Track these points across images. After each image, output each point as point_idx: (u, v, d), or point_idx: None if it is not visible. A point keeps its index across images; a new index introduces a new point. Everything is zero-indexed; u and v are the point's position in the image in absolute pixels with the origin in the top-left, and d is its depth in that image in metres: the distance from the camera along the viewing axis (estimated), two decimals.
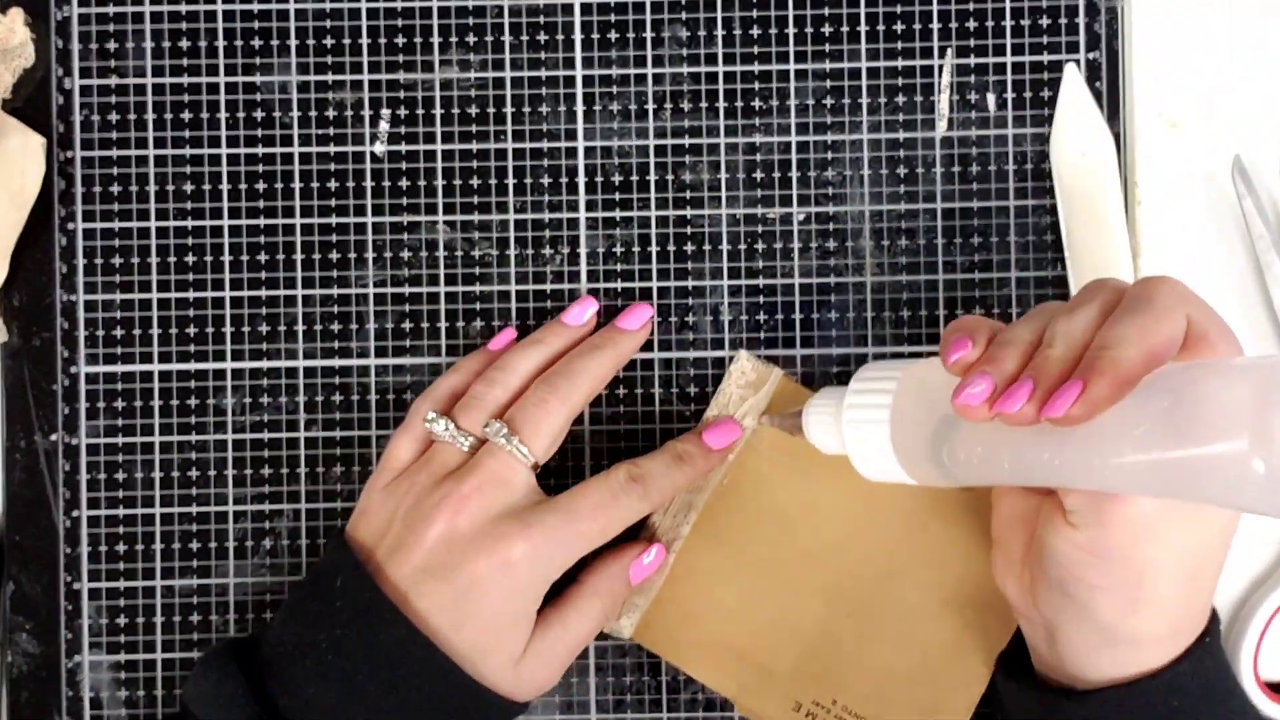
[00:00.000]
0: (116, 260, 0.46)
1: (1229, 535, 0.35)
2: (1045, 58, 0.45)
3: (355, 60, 0.46)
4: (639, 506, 0.41)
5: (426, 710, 0.38)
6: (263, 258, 0.46)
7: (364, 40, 0.46)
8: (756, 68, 0.45)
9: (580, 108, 0.46)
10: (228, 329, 0.46)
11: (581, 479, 0.41)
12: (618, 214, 0.45)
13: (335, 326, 0.46)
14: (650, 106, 0.45)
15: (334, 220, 0.46)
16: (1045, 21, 0.45)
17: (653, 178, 0.45)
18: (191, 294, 0.46)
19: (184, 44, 0.46)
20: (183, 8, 0.46)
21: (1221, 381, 0.28)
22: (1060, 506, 0.35)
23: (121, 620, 0.45)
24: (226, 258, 0.46)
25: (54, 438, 0.46)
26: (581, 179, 0.46)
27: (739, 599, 0.44)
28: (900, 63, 0.45)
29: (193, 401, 0.45)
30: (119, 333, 0.45)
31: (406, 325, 0.46)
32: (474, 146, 0.46)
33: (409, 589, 0.38)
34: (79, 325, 0.45)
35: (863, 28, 0.45)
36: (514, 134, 0.46)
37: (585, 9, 0.45)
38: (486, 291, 0.46)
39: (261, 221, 0.46)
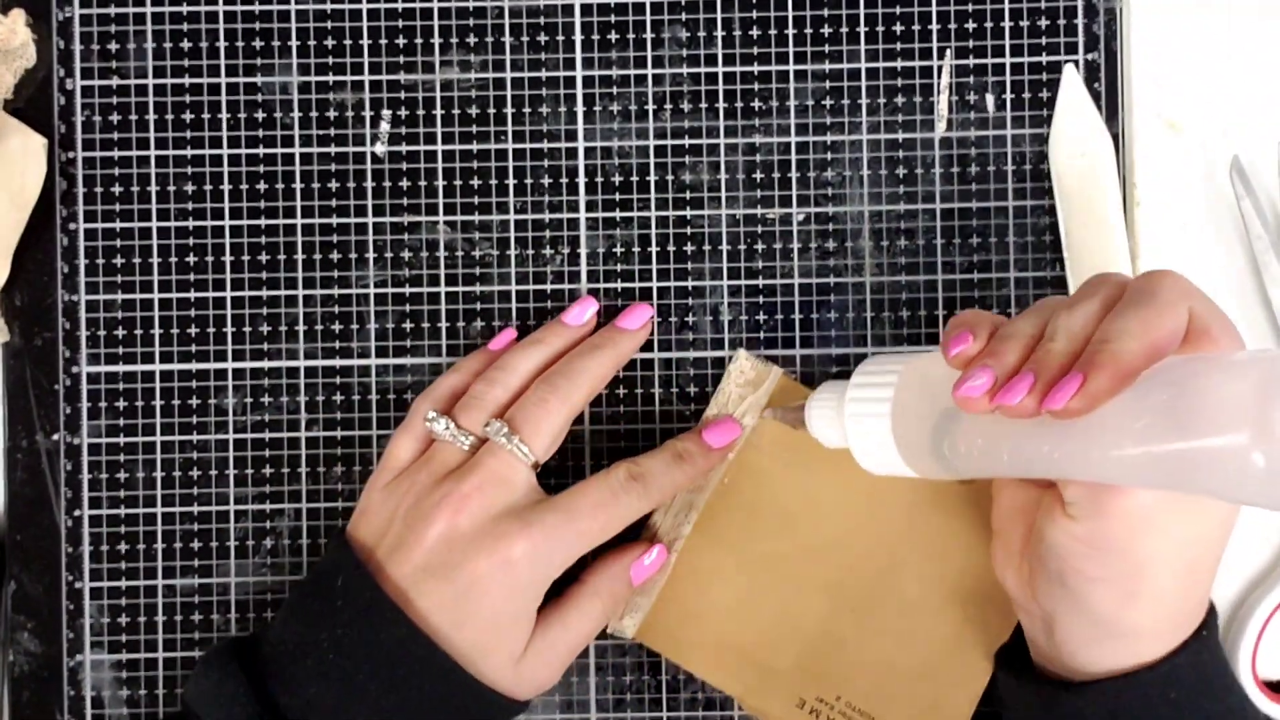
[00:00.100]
0: (118, 260, 0.46)
1: (1228, 528, 0.35)
2: (1044, 58, 0.45)
3: (356, 61, 0.46)
4: (639, 505, 0.41)
5: (427, 709, 0.38)
6: (264, 258, 0.46)
7: (364, 41, 0.46)
8: (756, 68, 0.45)
9: (580, 108, 0.46)
10: (229, 329, 0.46)
11: (582, 478, 0.41)
12: (618, 214, 0.46)
13: (336, 326, 0.46)
14: (650, 107, 0.45)
15: (335, 220, 0.46)
16: (1044, 22, 0.45)
17: (653, 178, 0.46)
18: (193, 294, 0.46)
19: (185, 45, 0.46)
20: (184, 9, 0.46)
21: (1223, 375, 0.28)
22: (1060, 498, 0.35)
23: (123, 619, 0.45)
24: (227, 258, 0.46)
25: (55, 437, 0.46)
26: (582, 179, 0.46)
27: (741, 598, 0.44)
28: (900, 63, 0.45)
29: (194, 401, 0.46)
30: (120, 333, 0.46)
31: (407, 325, 0.46)
32: (474, 147, 0.46)
33: (410, 588, 0.38)
34: (80, 325, 0.46)
35: (862, 28, 0.45)
36: (514, 134, 0.46)
37: (585, 9, 0.46)
38: (487, 291, 0.46)
39: (262, 222, 0.46)
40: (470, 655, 0.38)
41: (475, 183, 0.46)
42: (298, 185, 0.46)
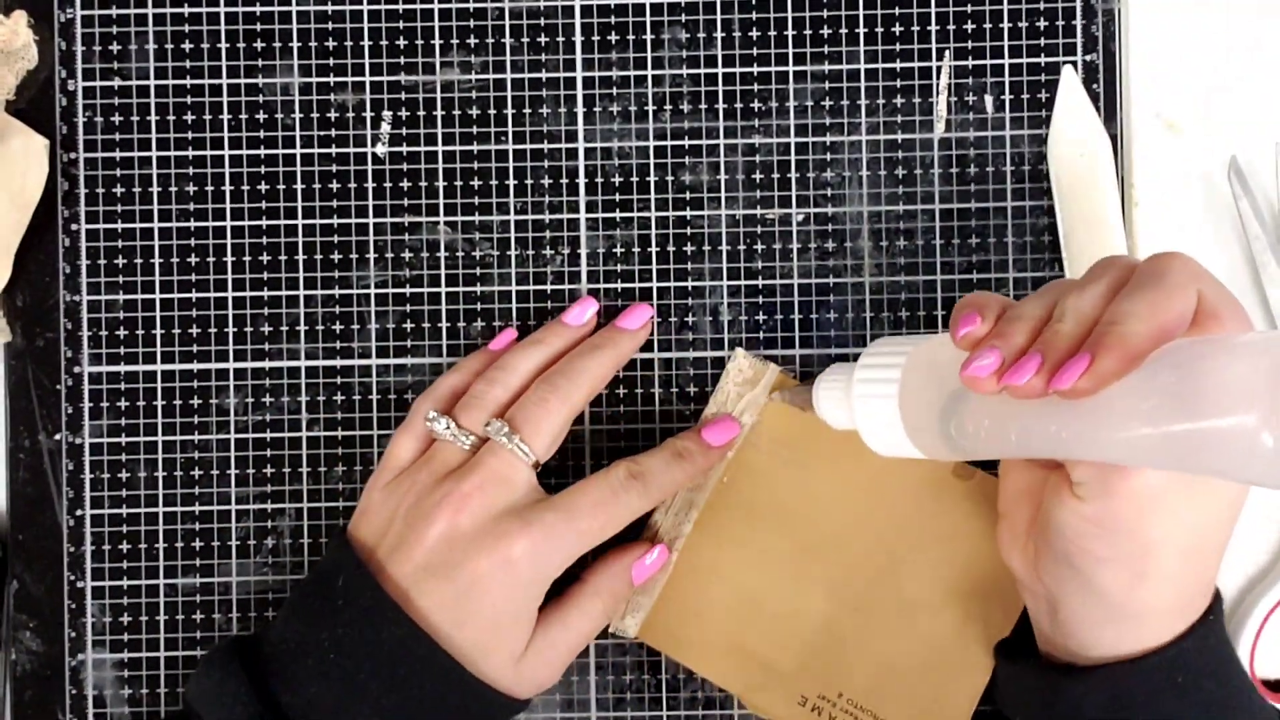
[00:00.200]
0: (119, 261, 0.46)
1: (1236, 510, 0.35)
2: (1043, 59, 0.45)
3: (357, 62, 0.46)
4: (639, 504, 0.41)
5: (428, 708, 0.38)
6: (265, 258, 0.46)
7: (365, 42, 0.46)
8: (756, 69, 0.46)
9: (580, 109, 0.46)
10: (230, 329, 0.46)
11: (582, 478, 0.41)
12: (618, 214, 0.46)
13: (337, 327, 0.46)
14: (650, 108, 0.46)
15: (335, 221, 0.46)
16: (1043, 24, 0.45)
17: (653, 178, 0.46)
18: (194, 294, 0.46)
19: (186, 46, 0.46)
20: (185, 10, 0.46)
21: (1231, 356, 0.28)
22: (1067, 479, 0.35)
23: (125, 619, 0.46)
24: (229, 258, 0.46)
25: (58, 437, 0.46)
26: (582, 180, 0.46)
27: (742, 596, 0.44)
28: (899, 64, 0.45)
29: (195, 401, 0.46)
30: (122, 333, 0.46)
31: (407, 325, 0.46)
32: (475, 148, 0.46)
33: (410, 587, 0.38)
34: (82, 325, 0.46)
35: (861, 30, 0.45)
36: (514, 135, 0.46)
37: (585, 11, 0.46)
38: (487, 292, 0.46)
39: (263, 222, 0.46)
40: (471, 654, 0.38)
41: (475, 183, 0.46)
42: (299, 186, 0.46)
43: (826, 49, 0.45)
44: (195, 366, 0.46)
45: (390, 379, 0.46)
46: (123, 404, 0.46)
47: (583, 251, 0.46)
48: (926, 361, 0.36)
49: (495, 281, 0.46)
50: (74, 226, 0.46)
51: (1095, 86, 0.45)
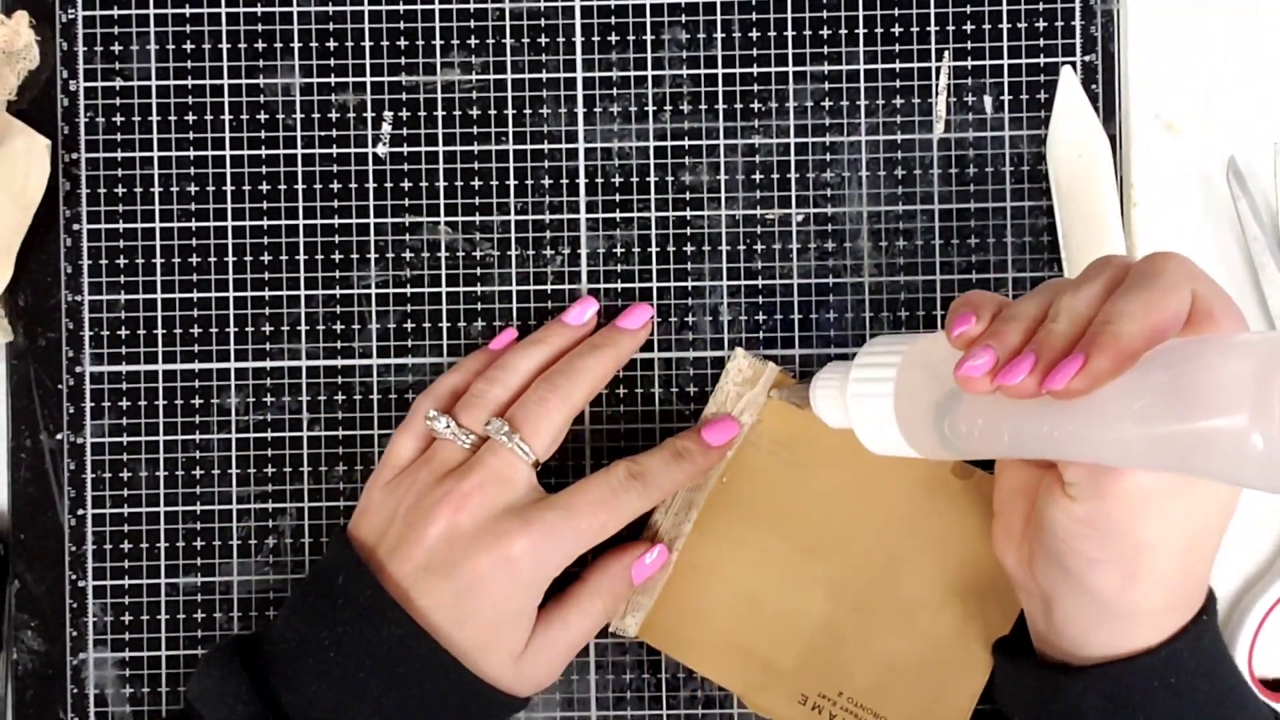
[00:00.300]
0: (121, 261, 0.46)
1: (1229, 511, 0.35)
2: (1041, 60, 0.45)
3: (357, 63, 0.46)
4: (639, 503, 0.41)
5: (428, 707, 0.38)
6: (266, 258, 0.46)
7: (366, 43, 0.46)
8: (756, 70, 0.46)
9: (581, 109, 0.46)
10: (231, 329, 0.46)
11: (582, 478, 0.41)
12: (618, 215, 0.46)
13: (337, 326, 0.46)
14: (650, 108, 0.46)
15: (336, 221, 0.46)
16: (1041, 24, 0.45)
17: (653, 179, 0.46)
18: (195, 294, 0.46)
19: (188, 47, 0.46)
20: (186, 11, 0.46)
21: (1223, 357, 0.28)
22: (1060, 479, 0.35)
23: (126, 618, 0.46)
24: (230, 258, 0.46)
25: (59, 437, 0.46)
26: (582, 180, 0.46)
27: (742, 595, 0.44)
28: (898, 65, 0.45)
29: (196, 401, 0.46)
30: (123, 333, 0.46)
31: (408, 325, 0.46)
32: (475, 148, 0.46)
33: (410, 586, 0.38)
34: (84, 325, 0.46)
35: (861, 30, 0.46)
36: (515, 135, 0.46)
37: (585, 11, 0.46)
38: (487, 292, 0.46)
39: (264, 222, 0.46)
40: (471, 653, 0.38)
41: (476, 183, 0.46)
42: (299, 186, 0.46)
43: (826, 49, 0.46)
44: (196, 366, 0.46)
45: (390, 379, 0.46)
46: (124, 404, 0.46)
47: (583, 251, 0.46)
48: (922, 361, 0.36)
49: (495, 281, 0.46)
50: (75, 226, 0.46)
51: (1094, 87, 0.45)
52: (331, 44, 0.46)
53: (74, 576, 0.46)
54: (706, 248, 0.46)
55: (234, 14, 0.46)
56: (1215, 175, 0.45)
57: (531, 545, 0.38)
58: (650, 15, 0.46)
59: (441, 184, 0.46)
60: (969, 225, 0.45)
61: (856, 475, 0.44)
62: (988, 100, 0.45)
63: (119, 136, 0.46)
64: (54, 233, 0.46)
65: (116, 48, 0.46)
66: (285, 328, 0.46)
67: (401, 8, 0.46)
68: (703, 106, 0.46)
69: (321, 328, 0.46)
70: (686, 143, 0.46)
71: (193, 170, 0.46)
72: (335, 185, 0.46)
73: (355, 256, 0.46)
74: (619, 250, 0.46)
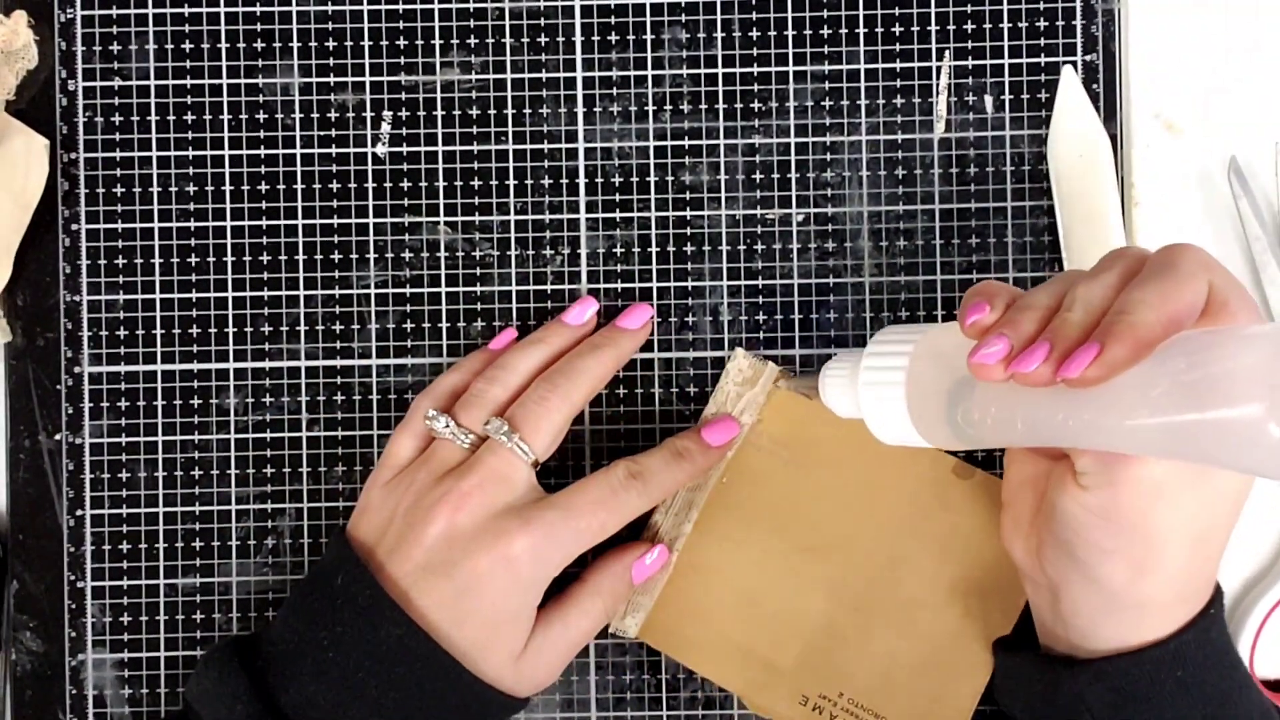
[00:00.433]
0: (120, 261, 0.46)
1: (1240, 503, 0.35)
2: (1042, 60, 0.45)
3: (357, 62, 0.46)
4: (638, 503, 0.41)
5: (427, 706, 0.38)
6: (265, 258, 0.46)
7: (365, 42, 0.46)
8: (756, 69, 0.46)
9: (580, 109, 0.46)
10: (230, 329, 0.46)
11: (581, 478, 0.41)
12: (618, 214, 0.46)
13: (337, 327, 0.46)
14: (650, 108, 0.46)
15: (335, 221, 0.46)
16: (1042, 24, 0.45)
17: (653, 178, 0.46)
18: (194, 294, 0.46)
19: (186, 46, 0.46)
20: (185, 10, 0.46)
21: (1240, 346, 0.28)
22: (1072, 469, 0.35)
23: (125, 619, 0.46)
24: (229, 258, 0.46)
25: (58, 437, 0.46)
26: (582, 180, 0.46)
27: (742, 596, 0.44)
28: (899, 65, 0.45)
29: (195, 401, 0.46)
30: (122, 333, 0.46)
31: (407, 325, 0.46)
32: (475, 148, 0.46)
33: (410, 586, 0.38)
34: (83, 325, 0.46)
35: (861, 30, 0.45)
36: (514, 135, 0.46)
37: (585, 11, 0.46)
38: (487, 292, 0.46)
39: (264, 222, 0.46)
40: (470, 653, 0.38)
41: (475, 183, 0.46)
42: (299, 186, 0.46)
43: (826, 49, 0.46)
44: (195, 366, 0.46)
45: (390, 379, 0.46)
46: (123, 404, 0.46)
47: (583, 251, 0.46)
48: (933, 350, 0.36)
49: (495, 281, 0.46)
50: (74, 226, 0.46)
51: (1095, 86, 0.45)
52: (331, 44, 0.46)
53: (73, 577, 0.46)
54: (706, 248, 0.46)
55: (233, 14, 0.46)
56: (1216, 175, 0.45)
57: (531, 545, 0.38)
58: (650, 15, 0.46)
59: (441, 184, 0.46)
60: (969, 225, 0.45)
61: (857, 475, 0.44)
62: (988, 100, 0.45)
63: (118, 136, 0.46)
64: (53, 232, 0.46)
65: (115, 47, 0.46)
66: (285, 328, 0.46)
67: (401, 8, 0.46)
68: (703, 106, 0.46)
69: (321, 328, 0.46)
70: (686, 143, 0.46)
71: (192, 170, 0.46)
72: (335, 185, 0.46)
73: (355, 256, 0.46)
74: (619, 250, 0.46)
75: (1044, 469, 0.38)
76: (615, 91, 0.46)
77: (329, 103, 0.46)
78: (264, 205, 0.46)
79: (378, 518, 0.40)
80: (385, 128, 0.46)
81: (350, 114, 0.46)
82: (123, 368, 0.46)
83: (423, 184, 0.46)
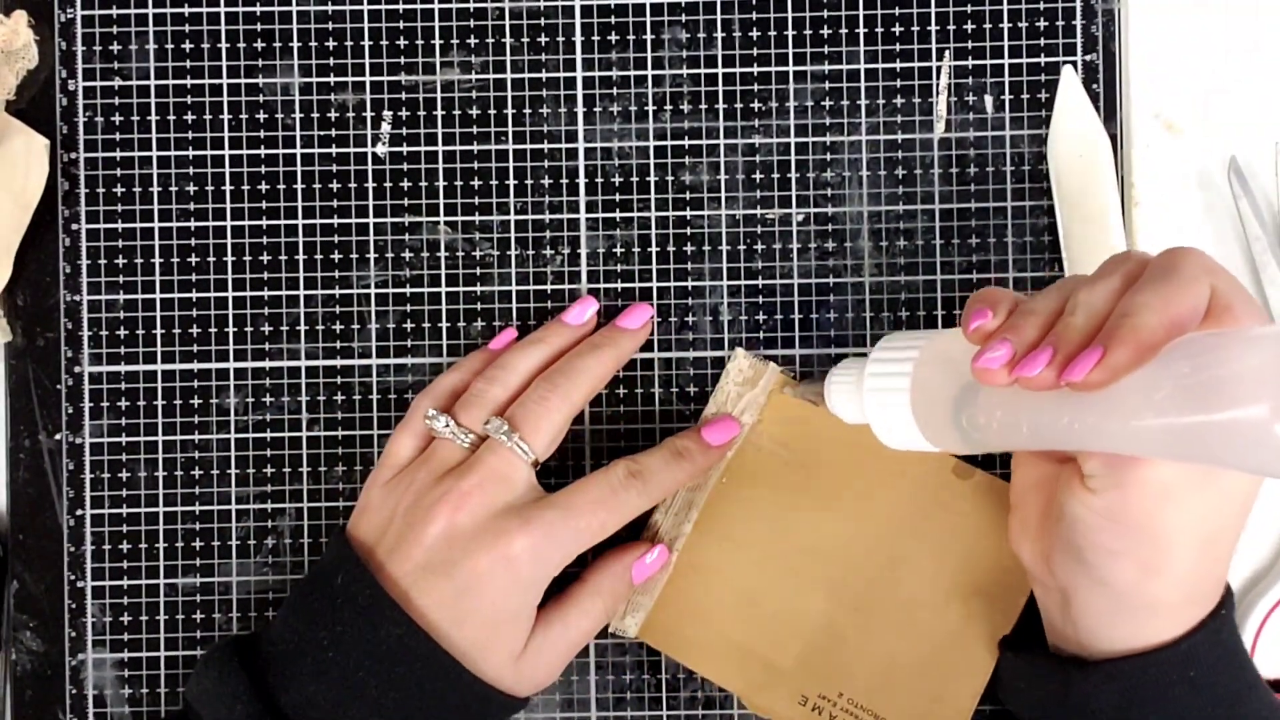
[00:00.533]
0: (120, 261, 0.46)
1: (1248, 503, 0.35)
2: (1042, 60, 0.45)
3: (357, 62, 0.46)
4: (638, 502, 0.41)
5: (427, 706, 0.38)
6: (265, 258, 0.46)
7: (365, 42, 0.46)
8: (756, 69, 0.46)
9: (580, 109, 0.46)
10: (230, 329, 0.46)
11: (581, 478, 0.41)
12: (618, 214, 0.46)
13: (337, 326, 0.46)
14: (650, 108, 0.46)
15: (335, 221, 0.46)
16: (1042, 24, 0.45)
17: (653, 178, 0.46)
18: (194, 294, 0.46)
19: (187, 46, 0.46)
20: (185, 10, 0.46)
21: (1244, 348, 0.28)
22: (1079, 472, 0.35)
23: (125, 618, 0.46)
24: (229, 258, 0.46)
25: (58, 437, 0.46)
26: (582, 180, 0.46)
27: (742, 596, 0.44)
28: (899, 65, 0.45)
29: (195, 401, 0.46)
30: (122, 333, 0.46)
31: (407, 325, 0.46)
32: (475, 148, 0.46)
33: (410, 586, 0.38)
34: (83, 325, 0.46)
35: (861, 30, 0.45)
36: (514, 135, 0.46)
37: (585, 11, 0.46)
38: (487, 292, 0.46)
39: (264, 222, 0.46)
40: (470, 653, 0.38)
41: (475, 183, 0.46)
42: (299, 186, 0.46)
43: (826, 49, 0.46)
44: (195, 366, 0.46)
45: (390, 379, 0.46)
46: (123, 404, 0.46)
47: (583, 251, 0.46)
48: (938, 356, 0.36)
49: (495, 281, 0.46)
50: (74, 226, 0.46)
51: (1095, 86, 0.45)
52: (331, 44, 0.46)
53: (73, 577, 0.46)
54: (706, 248, 0.46)
55: (233, 14, 0.46)
56: (1216, 175, 0.45)
57: (531, 544, 0.38)
58: (650, 15, 0.46)
59: (441, 184, 0.46)
60: (969, 225, 0.45)
61: (857, 475, 0.44)
62: (988, 100, 0.45)
63: (118, 136, 0.46)
64: (53, 232, 0.46)
65: (115, 47, 0.46)
66: (285, 328, 0.46)
67: (401, 7, 0.46)
68: (703, 106, 0.46)
69: (321, 328, 0.46)
70: (686, 143, 0.46)
71: (192, 170, 0.46)
72: (335, 185, 0.46)
73: (355, 256, 0.46)
74: (619, 250, 0.46)
75: (1051, 472, 0.38)
76: (615, 91, 0.46)
77: (329, 103, 0.46)
78: (264, 205, 0.46)
79: (378, 517, 0.40)
80: (385, 128, 0.46)
81: (350, 114, 0.46)
82: (123, 367, 0.46)
83: (423, 184, 0.46)
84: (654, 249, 0.46)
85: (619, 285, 0.46)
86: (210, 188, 0.46)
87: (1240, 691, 0.37)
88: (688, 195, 0.46)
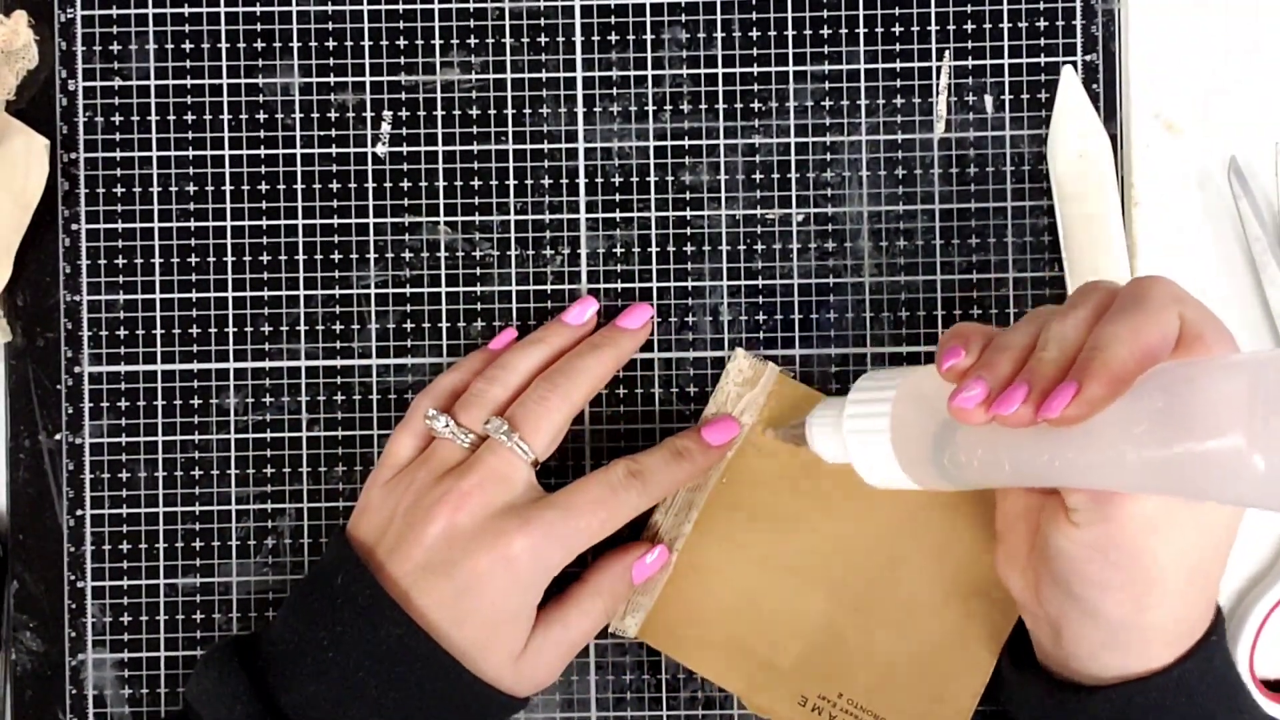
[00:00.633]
0: (120, 261, 0.46)
1: (1233, 530, 0.35)
2: (1042, 60, 0.45)
3: (357, 62, 0.46)
4: (638, 502, 0.41)
5: (427, 706, 0.38)
6: (265, 258, 0.46)
7: (365, 42, 0.46)
8: (756, 69, 0.46)
9: (580, 109, 0.46)
10: (230, 329, 0.46)
11: (581, 477, 0.41)
12: (618, 214, 0.46)
13: (337, 327, 0.46)
14: (650, 108, 0.46)
15: (335, 221, 0.46)
16: (1042, 24, 0.45)
17: (653, 178, 0.46)
18: (194, 294, 0.46)
19: (187, 46, 0.46)
20: (185, 10, 0.46)
21: (1215, 378, 0.28)
22: (1063, 505, 0.35)
23: (125, 619, 0.46)
24: (229, 258, 0.46)
25: (58, 437, 0.46)
26: (582, 180, 0.46)
27: (742, 596, 0.44)
28: (899, 65, 0.45)
29: (195, 401, 0.46)
30: (122, 333, 0.46)
31: (407, 325, 0.46)
32: (475, 148, 0.46)
33: (410, 586, 0.38)
34: (83, 325, 0.46)
35: (861, 30, 0.45)
36: (514, 135, 0.46)
37: (585, 11, 0.46)
38: (487, 292, 0.46)
39: (264, 222, 0.46)
40: (470, 653, 0.38)
41: (475, 183, 0.46)
42: (299, 186, 0.46)
43: (826, 49, 0.46)
44: (195, 366, 0.46)
45: (390, 379, 0.46)
46: (123, 404, 0.46)
47: (583, 251, 0.46)
48: (915, 393, 0.36)
49: (495, 281, 0.46)
50: (74, 226, 0.46)
51: (1095, 87, 0.45)
52: (331, 44, 0.46)
53: (73, 577, 0.46)
54: (706, 248, 0.46)
55: (233, 14, 0.46)
56: (1216, 175, 0.45)
57: (531, 544, 0.38)
58: (650, 15, 0.46)
59: (441, 184, 0.46)
60: (969, 225, 0.45)
61: (857, 476, 0.44)
62: (988, 100, 0.45)
63: (118, 136, 0.46)
64: (53, 232, 0.46)
65: (115, 47, 0.46)
66: (284, 328, 0.46)
67: (401, 8, 0.46)
68: (703, 106, 0.46)
69: (321, 328, 0.46)
70: (686, 143, 0.46)
71: (192, 170, 0.46)
72: (335, 185, 0.46)
73: (355, 256, 0.46)
74: (619, 250, 0.46)
75: (1036, 502, 0.38)
76: (615, 91, 0.46)
77: (329, 103, 0.46)
78: (264, 205, 0.46)
79: (378, 517, 0.40)
80: (385, 128, 0.46)
81: (350, 114, 0.46)
82: (123, 368, 0.46)
83: (423, 184, 0.46)
84: (654, 249, 0.46)
85: (619, 285, 0.46)
86: (210, 188, 0.46)
87: (1233, 716, 0.37)
88: (688, 195, 0.46)
